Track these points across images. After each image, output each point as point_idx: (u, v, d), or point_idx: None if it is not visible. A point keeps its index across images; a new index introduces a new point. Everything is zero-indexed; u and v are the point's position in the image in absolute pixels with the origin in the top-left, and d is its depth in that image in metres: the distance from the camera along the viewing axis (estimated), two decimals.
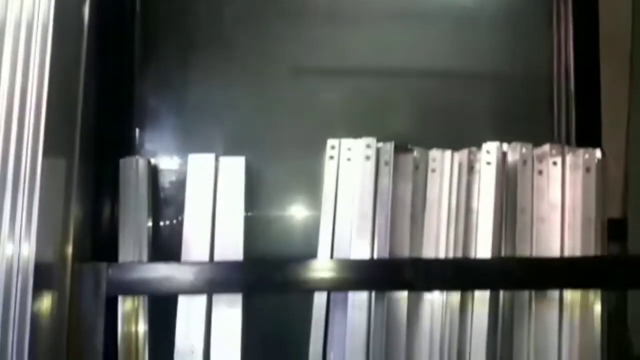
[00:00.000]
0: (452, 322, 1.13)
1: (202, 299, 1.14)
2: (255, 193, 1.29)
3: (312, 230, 1.22)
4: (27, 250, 1.01)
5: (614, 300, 1.18)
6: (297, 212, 1.31)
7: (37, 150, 1.06)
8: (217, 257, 1.17)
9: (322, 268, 1.11)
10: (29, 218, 1.03)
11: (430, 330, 1.13)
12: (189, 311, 1.16)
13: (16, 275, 1.00)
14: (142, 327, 1.18)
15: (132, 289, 1.10)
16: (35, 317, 1.00)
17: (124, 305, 1.16)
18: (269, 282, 1.11)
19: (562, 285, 1.08)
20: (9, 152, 1.05)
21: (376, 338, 1.13)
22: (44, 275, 1.04)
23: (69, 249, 1.14)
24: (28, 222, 1.03)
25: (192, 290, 1.11)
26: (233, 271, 1.12)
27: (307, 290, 1.13)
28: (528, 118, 1.35)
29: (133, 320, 1.18)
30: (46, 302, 1.06)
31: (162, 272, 1.10)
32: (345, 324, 1.15)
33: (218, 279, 1.10)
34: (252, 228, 1.24)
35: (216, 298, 1.16)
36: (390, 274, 1.09)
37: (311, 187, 1.28)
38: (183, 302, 1.15)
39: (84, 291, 1.07)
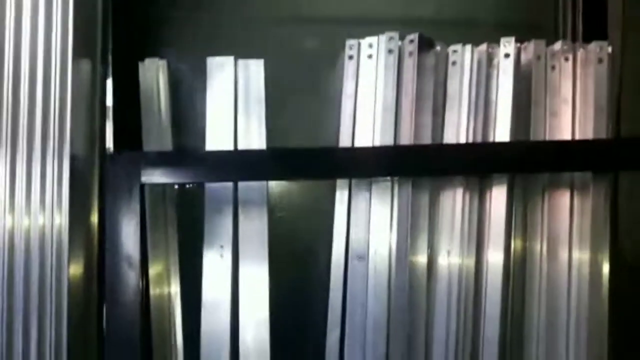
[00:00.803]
0: (471, 207, 1.18)
1: (228, 191, 1.18)
2: (272, 96, 1.30)
3: (332, 130, 1.25)
4: (62, 145, 1.07)
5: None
6: (316, 112, 1.34)
7: (67, 51, 1.09)
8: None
9: (344, 154, 1.15)
10: (62, 119, 1.08)
11: (452, 215, 1.18)
12: (217, 204, 1.18)
13: (51, 162, 1.06)
14: (170, 219, 1.21)
15: (162, 177, 1.10)
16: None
17: (151, 196, 1.19)
18: (292, 170, 1.14)
19: (575, 167, 1.14)
20: (37, 55, 1.09)
21: (400, 225, 1.17)
22: (77, 168, 1.09)
23: (97, 139, 1.18)
24: (61, 123, 1.08)
25: (219, 178, 1.14)
26: (258, 159, 1.14)
27: (330, 176, 1.16)
28: (535, 20, 1.40)
29: (161, 212, 1.23)
30: (78, 195, 1.10)
31: (191, 160, 1.12)
32: (369, 214, 1.19)
33: (244, 167, 1.12)
34: (272, 130, 1.27)
35: (242, 191, 1.19)
36: (413, 160, 1.13)
37: (330, 89, 1.31)
38: (210, 195, 1.18)
39: (119, 180, 1.08)
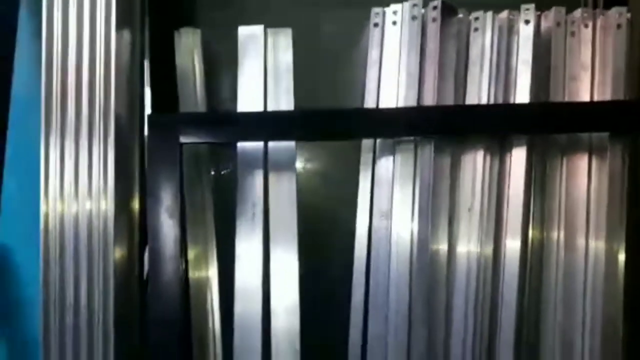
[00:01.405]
0: (492, 169, 1.23)
1: (259, 153, 1.24)
2: (300, 63, 1.34)
3: (358, 97, 1.30)
4: (108, 103, 1.16)
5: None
6: (342, 79, 1.40)
7: (110, 23, 1.18)
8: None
9: (370, 115, 1.21)
10: (107, 98, 1.17)
11: (472, 177, 1.23)
12: (248, 167, 1.25)
13: (97, 144, 1.16)
14: (205, 177, 1.31)
15: (199, 137, 1.18)
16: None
17: (189, 180, 1.28)
18: (320, 130, 1.20)
19: (593, 128, 1.18)
20: (83, 24, 1.18)
21: (422, 185, 1.23)
22: (119, 127, 1.17)
23: (138, 107, 1.26)
24: (106, 103, 1.17)
25: (251, 138, 1.20)
26: (287, 120, 1.21)
27: (357, 137, 1.23)
28: None
29: (197, 173, 1.31)
30: (123, 175, 1.19)
31: (226, 121, 1.20)
32: (393, 175, 1.25)
33: (274, 127, 1.19)
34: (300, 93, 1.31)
35: (272, 153, 1.25)
36: (435, 120, 1.18)
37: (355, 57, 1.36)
38: (242, 157, 1.25)
39: (159, 140, 1.15)
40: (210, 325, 1.30)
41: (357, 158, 1.29)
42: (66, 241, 1.15)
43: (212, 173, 1.36)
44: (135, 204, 1.25)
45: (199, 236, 1.31)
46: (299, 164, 1.36)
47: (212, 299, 1.31)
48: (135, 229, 1.25)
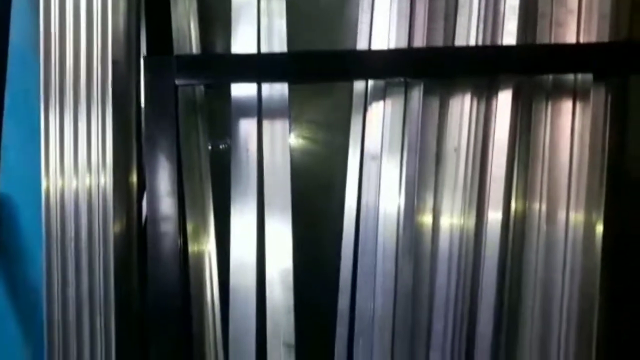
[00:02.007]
0: (479, 111, 1.27)
1: (253, 100, 1.28)
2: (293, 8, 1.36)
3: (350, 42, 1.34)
4: (104, 51, 1.22)
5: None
6: (334, 30, 1.43)
7: None
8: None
9: (362, 57, 1.24)
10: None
11: (459, 118, 1.27)
12: (242, 111, 1.29)
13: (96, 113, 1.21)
14: (200, 121, 1.34)
15: (194, 79, 1.22)
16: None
17: (183, 98, 1.30)
18: (312, 71, 1.22)
19: (578, 69, 1.22)
20: None
21: (411, 127, 1.27)
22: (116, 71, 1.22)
23: (134, 45, 1.29)
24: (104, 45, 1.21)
25: (245, 79, 1.24)
26: (280, 61, 1.23)
27: (348, 78, 1.26)
28: None
29: (192, 113, 1.34)
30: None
31: (220, 62, 1.23)
32: (383, 118, 1.29)
33: (267, 69, 1.21)
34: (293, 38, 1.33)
35: (265, 97, 1.29)
36: (425, 61, 1.21)
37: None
38: (236, 102, 1.29)
39: (155, 82, 1.18)
40: (209, 294, 1.35)
41: (348, 107, 1.32)
42: (66, 215, 1.20)
43: (210, 148, 1.39)
44: (134, 177, 1.29)
45: (197, 211, 1.35)
46: (293, 113, 1.39)
47: (210, 269, 1.36)
48: (134, 198, 1.29)
